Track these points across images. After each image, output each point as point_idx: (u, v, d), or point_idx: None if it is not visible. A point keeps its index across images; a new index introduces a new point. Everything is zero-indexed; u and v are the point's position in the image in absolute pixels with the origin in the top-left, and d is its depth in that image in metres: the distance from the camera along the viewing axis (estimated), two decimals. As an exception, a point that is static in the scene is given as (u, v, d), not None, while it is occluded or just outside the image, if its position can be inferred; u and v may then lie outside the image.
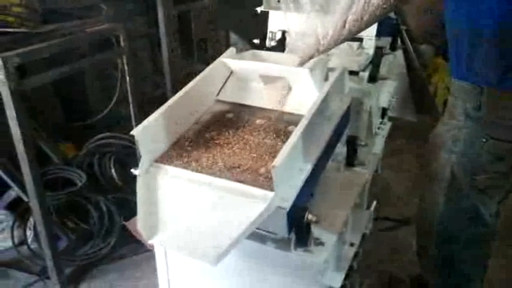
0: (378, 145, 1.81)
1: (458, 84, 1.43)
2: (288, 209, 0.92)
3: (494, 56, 1.29)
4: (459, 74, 1.42)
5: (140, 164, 1.04)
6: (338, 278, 1.21)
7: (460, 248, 1.58)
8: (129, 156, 2.36)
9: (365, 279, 1.61)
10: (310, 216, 1.01)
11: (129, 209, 2.20)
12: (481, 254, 1.61)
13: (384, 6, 1.11)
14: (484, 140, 1.38)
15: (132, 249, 2.27)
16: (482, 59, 1.32)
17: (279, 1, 1.68)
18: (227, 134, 1.15)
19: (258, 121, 1.19)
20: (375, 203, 1.58)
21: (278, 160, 0.89)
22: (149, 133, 1.05)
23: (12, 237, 2.14)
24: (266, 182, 0.96)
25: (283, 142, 1.00)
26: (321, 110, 1.09)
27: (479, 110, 1.36)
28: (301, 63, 1.18)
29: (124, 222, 2.25)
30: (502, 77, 1.30)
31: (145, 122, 1.05)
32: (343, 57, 1.56)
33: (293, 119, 1.16)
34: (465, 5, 1.30)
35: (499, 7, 1.22)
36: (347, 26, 1.12)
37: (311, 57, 1.17)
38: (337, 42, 1.16)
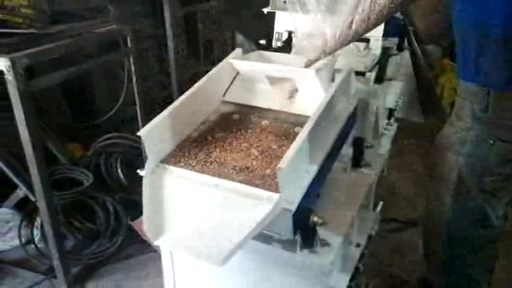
0: (385, 146, 1.80)
1: (466, 85, 1.42)
2: (293, 211, 0.92)
3: (502, 56, 1.28)
4: (466, 75, 1.41)
5: (146, 165, 1.04)
6: (344, 279, 1.21)
7: (466, 250, 1.57)
8: (135, 156, 2.37)
9: (371, 280, 1.60)
10: (315, 218, 1.01)
11: (136, 209, 2.20)
12: (487, 256, 1.60)
13: (391, 5, 1.10)
14: (492, 141, 1.37)
15: (139, 248, 2.28)
16: (489, 60, 1.31)
17: (285, 2, 1.68)
18: (233, 135, 1.15)
19: (264, 122, 1.19)
20: (381, 204, 1.58)
21: (284, 162, 0.89)
22: (155, 134, 1.05)
23: (20, 236, 2.16)
24: (272, 183, 0.95)
25: (290, 143, 1.00)
26: (327, 111, 1.09)
27: (487, 111, 1.35)
28: (308, 65, 1.17)
29: (130, 222, 2.26)
30: (509, 78, 1.29)
31: (151, 123, 1.05)
32: (350, 57, 1.56)
33: (299, 120, 1.16)
34: (470, 5, 1.29)
35: (505, 7, 1.21)
36: (354, 26, 1.11)
37: (318, 59, 1.16)
38: (344, 43, 1.16)
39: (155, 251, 2.16)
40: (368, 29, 1.14)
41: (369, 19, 1.10)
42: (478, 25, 1.29)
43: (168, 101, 2.40)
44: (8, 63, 1.59)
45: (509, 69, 1.28)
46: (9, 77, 1.61)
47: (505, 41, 1.25)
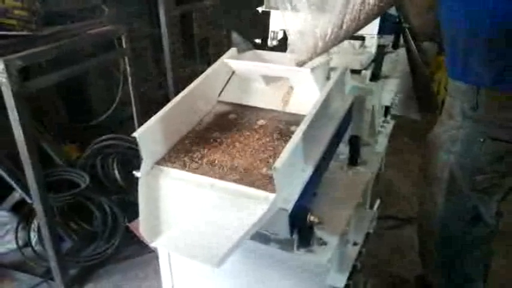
0: (381, 144, 1.80)
1: (455, 84, 1.42)
2: (290, 210, 0.92)
3: (490, 56, 1.28)
4: (455, 74, 1.41)
5: (142, 166, 1.04)
6: (341, 278, 1.21)
7: (461, 249, 1.56)
8: (132, 157, 2.36)
9: (369, 279, 1.60)
10: (312, 217, 1.01)
11: (133, 210, 2.19)
12: (482, 254, 1.60)
13: (381, 4, 1.10)
14: (482, 140, 1.37)
15: (137, 250, 2.27)
16: (477, 60, 1.31)
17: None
18: (229, 135, 1.15)
19: (260, 122, 1.19)
20: (378, 202, 1.58)
21: (279, 161, 0.88)
22: (151, 135, 1.05)
23: (17, 239, 2.15)
24: (268, 183, 0.95)
25: (285, 143, 1.00)
26: (323, 109, 1.09)
27: (476, 110, 1.35)
28: (300, 65, 1.17)
29: (127, 224, 2.25)
30: (497, 77, 1.29)
31: (146, 124, 1.05)
32: (345, 56, 1.55)
33: (295, 119, 1.16)
34: (464, 5, 1.29)
35: (496, 7, 1.21)
36: (344, 26, 1.12)
37: (310, 59, 1.16)
38: (335, 43, 1.16)
39: (154, 252, 2.15)
40: (358, 28, 1.14)
41: (360, 18, 1.10)
42: (469, 25, 1.29)
43: (165, 100, 2.38)
44: (2, 65, 1.58)
45: (496, 68, 1.28)
46: (2, 79, 1.60)
47: (492, 41, 1.25)
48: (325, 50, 1.16)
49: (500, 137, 1.35)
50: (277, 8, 1.72)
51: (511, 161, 1.39)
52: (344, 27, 1.11)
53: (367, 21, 1.13)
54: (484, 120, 1.35)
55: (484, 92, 1.32)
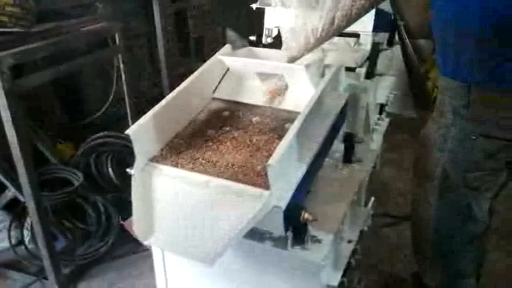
0: (376, 142, 1.79)
1: (447, 82, 1.42)
2: (284, 208, 0.92)
3: (482, 56, 1.28)
4: (446, 72, 1.41)
5: (135, 164, 1.03)
6: (336, 276, 1.21)
7: (457, 247, 1.57)
8: (127, 154, 2.35)
9: (364, 276, 1.60)
10: (306, 215, 1.00)
11: (127, 208, 2.17)
12: (476, 251, 1.60)
13: None
14: (474, 137, 1.37)
15: (131, 248, 2.26)
16: (469, 59, 1.31)
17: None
18: (223, 132, 1.14)
19: (254, 119, 1.19)
20: (372, 199, 1.57)
21: (273, 158, 0.88)
22: (144, 132, 1.04)
23: (10, 237, 2.13)
24: (262, 180, 0.95)
25: (280, 140, 0.99)
26: (317, 107, 1.08)
27: (468, 107, 1.36)
28: (291, 61, 1.17)
29: (122, 222, 2.24)
30: (489, 76, 1.29)
31: (140, 121, 1.04)
32: (340, 53, 1.55)
33: (289, 117, 1.15)
34: (455, 5, 1.29)
35: (488, 7, 1.21)
36: (336, 21, 1.11)
37: (302, 55, 1.16)
38: (326, 39, 1.16)
39: (148, 250, 2.14)
40: (350, 23, 1.14)
41: (351, 14, 1.10)
42: (457, 25, 1.29)
43: (160, 98, 2.36)
44: (-7, 62, 1.56)
45: (488, 67, 1.28)
46: (-6, 76, 1.58)
47: (484, 41, 1.25)
48: (317, 46, 1.16)
49: (493, 135, 1.35)
50: (269, 5, 1.71)
51: (503, 157, 1.39)
52: (336, 22, 1.11)
53: (359, 16, 1.13)
54: (476, 118, 1.35)
55: (475, 90, 1.33)
